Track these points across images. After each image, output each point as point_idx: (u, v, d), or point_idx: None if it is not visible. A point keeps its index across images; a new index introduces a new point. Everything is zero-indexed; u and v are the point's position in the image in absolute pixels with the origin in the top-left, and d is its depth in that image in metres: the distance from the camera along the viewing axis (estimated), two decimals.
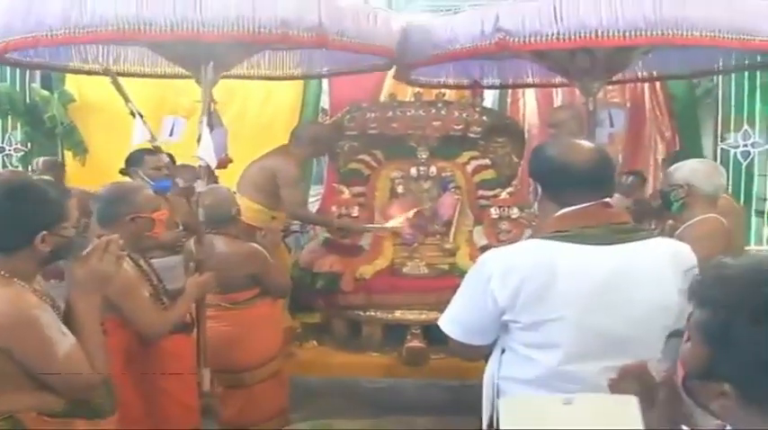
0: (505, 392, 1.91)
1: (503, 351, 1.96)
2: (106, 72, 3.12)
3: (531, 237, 2.04)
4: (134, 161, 4.03)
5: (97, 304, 2.07)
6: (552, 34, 3.42)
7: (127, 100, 2.90)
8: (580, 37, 3.40)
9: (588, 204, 1.89)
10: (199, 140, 3.00)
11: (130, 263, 2.74)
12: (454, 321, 2.00)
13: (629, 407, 1.35)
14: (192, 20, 3.00)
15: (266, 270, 3.54)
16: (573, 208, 1.89)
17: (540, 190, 1.98)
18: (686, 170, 3.32)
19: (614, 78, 4.48)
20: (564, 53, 3.83)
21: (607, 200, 1.92)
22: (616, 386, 1.49)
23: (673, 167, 3.45)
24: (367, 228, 4.55)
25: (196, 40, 3.09)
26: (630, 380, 1.47)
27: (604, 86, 4.53)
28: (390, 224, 4.50)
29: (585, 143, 2.06)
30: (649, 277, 1.84)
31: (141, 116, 2.94)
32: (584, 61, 3.92)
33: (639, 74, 5.02)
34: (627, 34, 3.38)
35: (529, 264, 1.84)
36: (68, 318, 2.03)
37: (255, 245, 3.58)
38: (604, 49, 3.72)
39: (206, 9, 3.00)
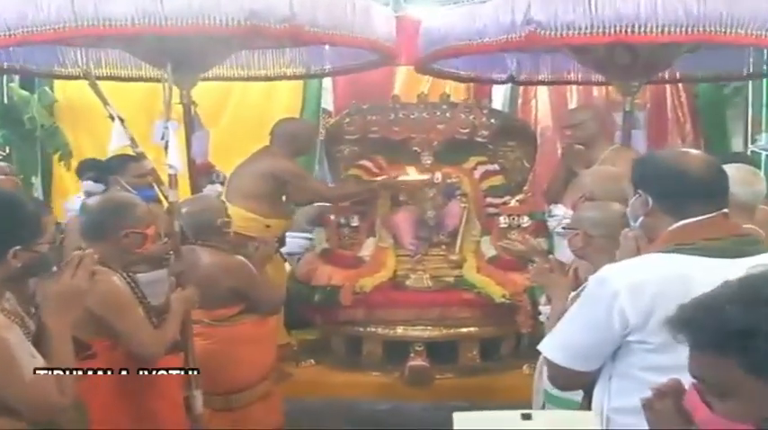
0: (617, 424, 1.80)
1: (609, 378, 1.87)
2: (86, 75, 3.03)
3: (646, 251, 1.94)
4: (114, 168, 3.82)
5: (69, 323, 1.99)
6: (587, 26, 3.31)
7: (105, 103, 2.80)
8: (616, 30, 3.28)
9: (711, 215, 1.84)
10: (166, 147, 2.86)
11: (123, 279, 2.61)
12: (561, 346, 1.89)
13: (587, 424, 1.34)
14: (152, 13, 2.94)
15: (251, 284, 3.31)
16: (695, 219, 1.83)
17: (650, 202, 1.89)
18: None
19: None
20: (603, 49, 3.71)
21: (725, 211, 1.87)
22: (651, 405, 1.38)
23: None
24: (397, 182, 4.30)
25: (164, 38, 3.05)
26: (666, 399, 1.35)
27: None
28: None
29: (698, 152, 2.05)
30: None
31: (122, 120, 2.82)
32: (624, 58, 3.80)
33: (663, 75, 4.80)
34: (666, 29, 3.25)
35: (661, 279, 1.76)
36: (38, 339, 1.96)
37: (239, 257, 3.34)
38: (647, 46, 3.58)
39: (167, 1, 2.92)
